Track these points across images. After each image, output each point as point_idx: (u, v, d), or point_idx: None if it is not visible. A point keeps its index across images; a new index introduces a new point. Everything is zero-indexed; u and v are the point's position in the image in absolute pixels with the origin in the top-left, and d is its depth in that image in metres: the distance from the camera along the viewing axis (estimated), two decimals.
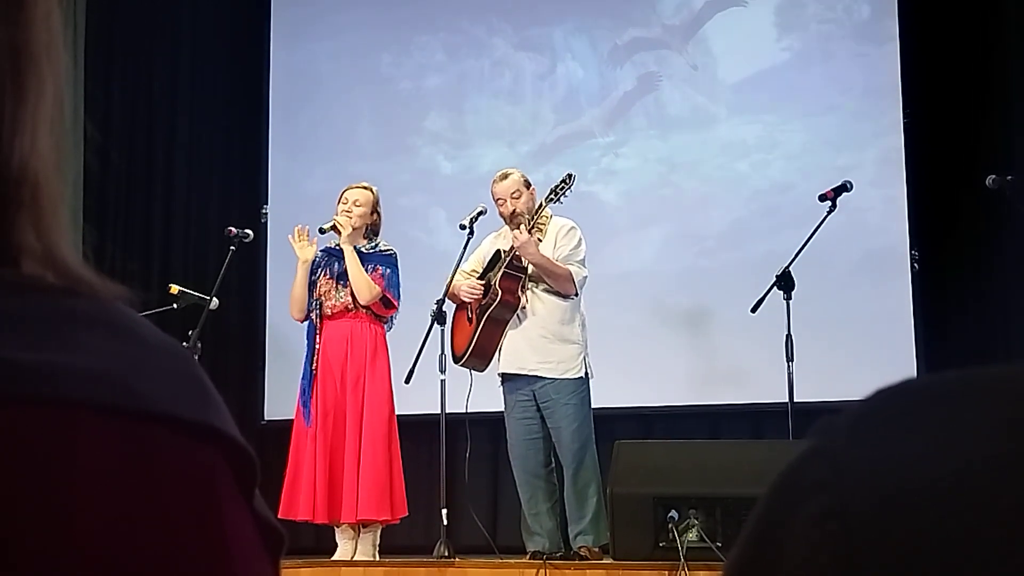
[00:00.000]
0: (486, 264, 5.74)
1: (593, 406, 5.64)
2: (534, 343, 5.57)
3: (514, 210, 5.66)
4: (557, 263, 5.56)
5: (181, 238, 7.78)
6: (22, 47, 0.57)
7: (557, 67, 7.46)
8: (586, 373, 5.59)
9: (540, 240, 5.61)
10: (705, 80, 7.14)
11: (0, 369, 0.50)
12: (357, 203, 5.84)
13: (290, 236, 5.92)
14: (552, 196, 5.62)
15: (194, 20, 7.96)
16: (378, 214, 5.93)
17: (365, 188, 5.94)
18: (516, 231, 5.56)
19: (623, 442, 5.24)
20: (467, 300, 5.71)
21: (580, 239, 5.67)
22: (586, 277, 5.61)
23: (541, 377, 5.56)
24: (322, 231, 5.87)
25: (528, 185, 5.74)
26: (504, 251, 5.65)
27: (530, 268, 5.60)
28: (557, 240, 5.63)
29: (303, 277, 5.85)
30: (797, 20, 7.02)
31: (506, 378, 5.68)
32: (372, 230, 5.92)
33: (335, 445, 5.71)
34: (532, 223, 5.59)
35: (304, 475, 5.70)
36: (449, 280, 5.68)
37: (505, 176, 5.78)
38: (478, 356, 5.66)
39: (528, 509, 5.62)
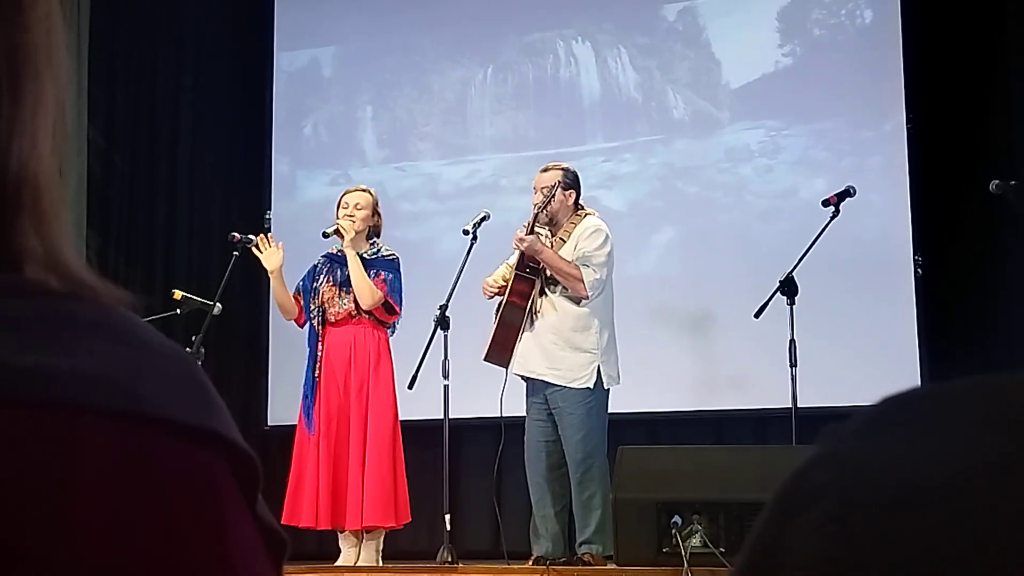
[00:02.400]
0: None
1: None
2: (545, 348, 5.55)
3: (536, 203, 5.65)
4: (566, 260, 5.52)
5: (184, 243, 7.79)
6: (20, 49, 0.56)
7: (560, 72, 7.46)
8: (598, 383, 5.52)
9: (564, 241, 5.59)
10: (708, 85, 7.15)
11: (2, 373, 0.50)
12: (358, 206, 5.85)
13: (253, 247, 5.91)
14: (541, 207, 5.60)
15: (197, 25, 7.97)
16: (379, 215, 5.95)
17: (364, 191, 5.96)
18: (517, 233, 5.56)
19: (626, 447, 5.23)
20: (486, 296, 5.70)
21: (604, 242, 5.58)
22: (599, 280, 5.53)
23: (552, 383, 5.55)
24: (325, 235, 5.87)
25: (566, 186, 5.64)
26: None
27: (548, 270, 5.58)
28: (579, 241, 5.59)
29: (278, 284, 5.86)
30: (800, 25, 7.03)
31: (525, 379, 5.67)
32: (373, 231, 5.93)
33: (339, 451, 5.71)
34: (531, 226, 5.57)
35: (307, 481, 5.70)
36: (452, 286, 5.67)
37: (547, 169, 5.74)
38: (497, 352, 5.64)
39: (537, 511, 5.61)
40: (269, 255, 5.85)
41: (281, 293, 5.87)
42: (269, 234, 6.02)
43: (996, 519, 0.49)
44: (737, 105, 7.06)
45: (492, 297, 5.69)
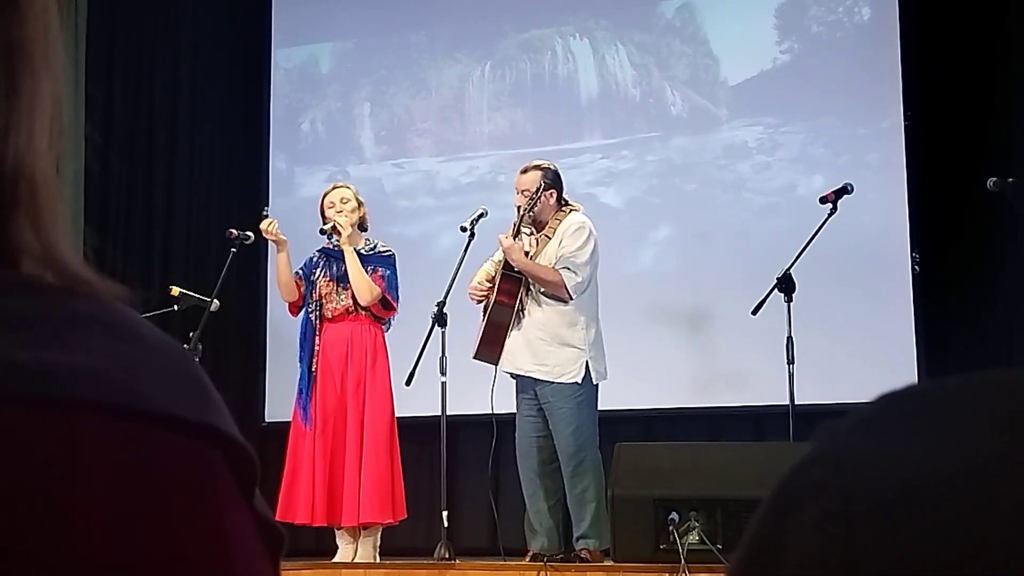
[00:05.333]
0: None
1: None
2: (532, 345, 5.56)
3: (519, 205, 5.64)
4: (545, 268, 5.51)
5: (182, 240, 7.78)
6: (16, 44, 0.56)
7: (558, 69, 7.46)
8: (587, 378, 5.53)
9: (549, 238, 5.59)
10: (706, 82, 7.15)
11: (0, 369, 0.50)
12: (345, 200, 5.86)
13: (267, 233, 5.86)
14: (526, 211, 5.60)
15: (195, 22, 7.97)
16: (363, 206, 5.94)
17: (344, 187, 5.97)
18: (500, 236, 5.56)
19: (624, 444, 5.23)
20: (473, 300, 5.70)
21: (587, 239, 5.57)
22: (581, 283, 5.52)
23: (540, 379, 5.55)
24: (324, 232, 5.87)
25: (548, 186, 5.62)
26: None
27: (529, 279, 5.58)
28: (563, 239, 5.59)
29: (286, 261, 5.83)
30: (798, 22, 7.02)
31: (514, 376, 5.68)
32: (361, 224, 5.93)
33: (335, 448, 5.71)
34: (517, 228, 5.57)
35: (302, 478, 5.70)
36: (450, 282, 5.67)
37: (526, 170, 5.72)
38: (487, 349, 5.64)
39: (530, 506, 5.62)
40: (279, 234, 5.86)
41: (286, 270, 5.84)
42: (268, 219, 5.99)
43: (995, 516, 0.49)
44: (735, 102, 7.06)
45: (480, 302, 5.68)
